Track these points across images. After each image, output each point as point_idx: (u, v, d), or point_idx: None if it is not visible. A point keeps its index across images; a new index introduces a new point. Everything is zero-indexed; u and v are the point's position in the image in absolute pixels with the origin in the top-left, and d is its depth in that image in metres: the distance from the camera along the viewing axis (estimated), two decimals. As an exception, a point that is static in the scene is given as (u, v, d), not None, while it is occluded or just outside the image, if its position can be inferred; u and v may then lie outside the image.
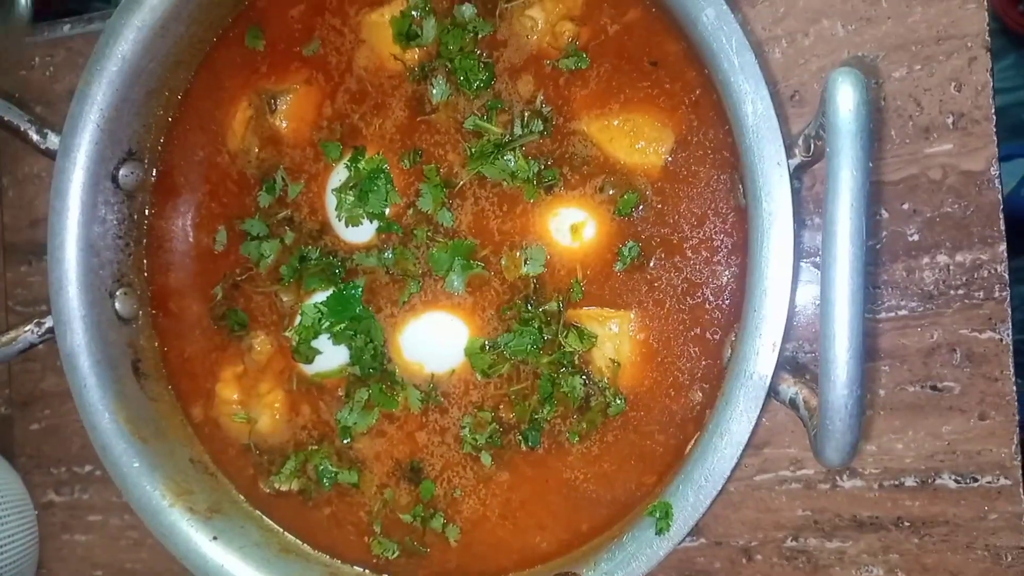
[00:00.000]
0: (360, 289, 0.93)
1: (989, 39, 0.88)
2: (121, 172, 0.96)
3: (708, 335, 0.84)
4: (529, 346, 0.87)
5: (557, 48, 0.87)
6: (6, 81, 1.18)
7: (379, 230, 0.92)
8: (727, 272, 0.83)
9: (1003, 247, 0.88)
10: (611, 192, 0.85)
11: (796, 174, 0.73)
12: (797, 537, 0.94)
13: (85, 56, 0.92)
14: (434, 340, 0.92)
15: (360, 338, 0.92)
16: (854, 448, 0.64)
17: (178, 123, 1.00)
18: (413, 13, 0.91)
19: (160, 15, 0.90)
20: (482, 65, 0.88)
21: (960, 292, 0.89)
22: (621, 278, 0.86)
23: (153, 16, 0.90)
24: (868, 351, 0.91)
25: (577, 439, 0.87)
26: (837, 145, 0.61)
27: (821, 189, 0.85)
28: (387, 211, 0.91)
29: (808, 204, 0.91)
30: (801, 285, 0.90)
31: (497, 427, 0.90)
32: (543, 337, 0.87)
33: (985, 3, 0.87)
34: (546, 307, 0.88)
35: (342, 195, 0.92)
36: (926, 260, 0.90)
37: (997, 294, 0.88)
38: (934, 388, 0.90)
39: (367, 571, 0.95)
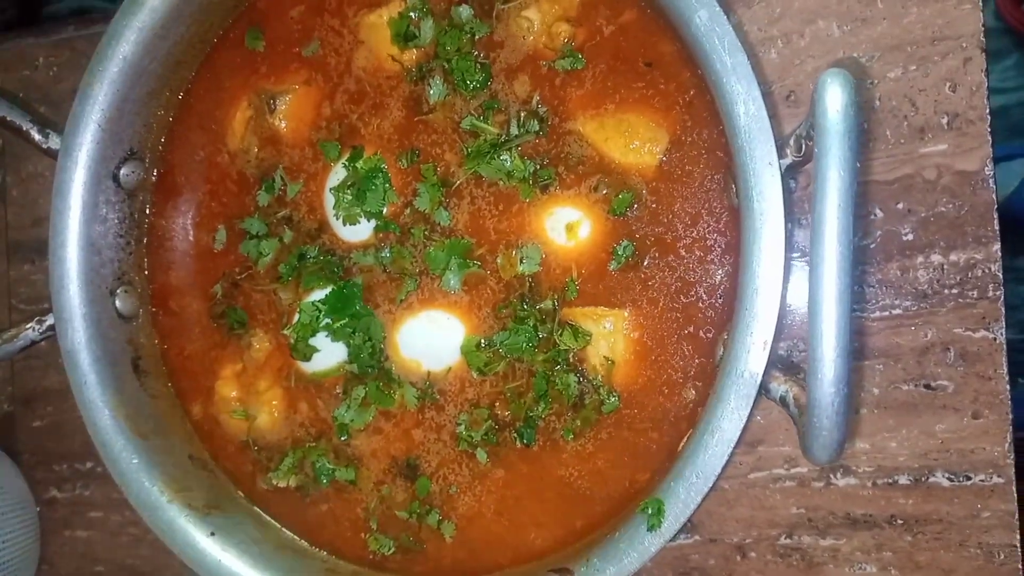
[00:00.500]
0: (360, 286, 0.93)
1: (984, 39, 0.88)
2: (122, 171, 0.97)
3: (701, 333, 0.84)
4: (524, 344, 0.88)
5: (553, 49, 0.88)
6: (10, 81, 1.19)
7: (377, 229, 0.93)
8: (720, 271, 0.84)
9: (997, 247, 0.88)
10: (605, 191, 0.86)
11: (788, 174, 0.74)
12: (791, 535, 0.94)
13: (89, 56, 0.92)
14: (431, 338, 0.93)
15: (359, 336, 0.93)
16: (841, 446, 0.64)
17: (179, 123, 1.01)
18: (411, 14, 0.91)
19: (161, 16, 0.91)
20: (479, 66, 0.89)
21: (954, 291, 0.90)
22: (616, 277, 0.87)
23: (154, 17, 0.91)
24: (862, 350, 0.92)
25: (572, 436, 0.88)
26: (825, 145, 0.62)
27: (815, 189, 0.85)
28: (384, 210, 0.92)
29: (803, 204, 0.92)
30: (796, 284, 0.91)
31: (493, 424, 0.90)
32: (538, 335, 0.88)
33: (980, 3, 0.88)
34: (541, 305, 0.88)
35: (340, 194, 0.93)
36: (920, 259, 0.90)
37: (991, 293, 0.89)
38: (928, 387, 0.90)
39: (364, 568, 0.96)
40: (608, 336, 0.87)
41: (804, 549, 0.94)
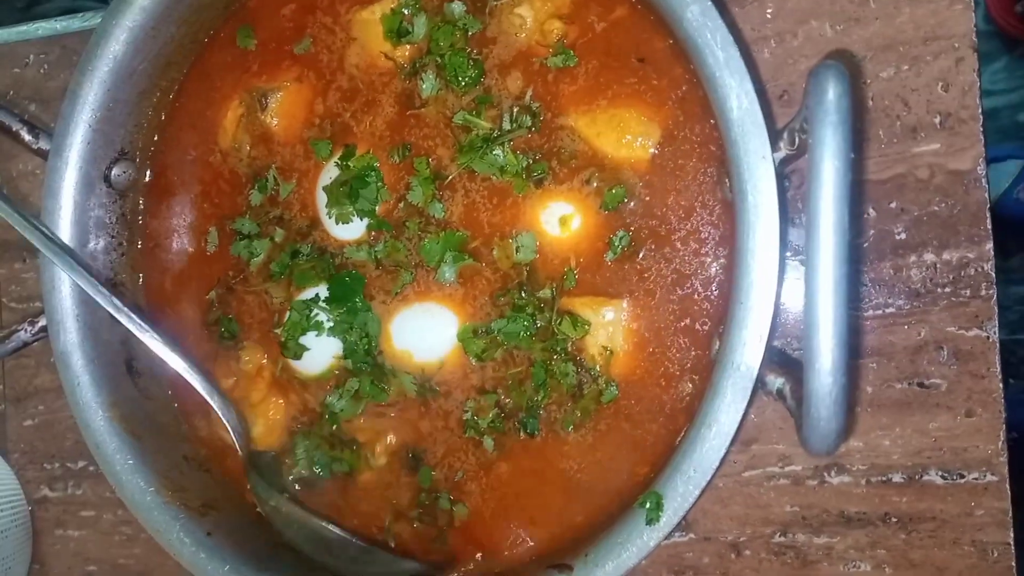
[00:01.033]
0: (362, 280, 0.93)
1: (976, 40, 0.89)
2: (113, 172, 0.96)
3: (697, 326, 0.85)
4: (522, 332, 0.88)
5: (545, 45, 0.88)
6: (0, 78, 1.18)
7: (369, 227, 0.93)
8: (715, 264, 0.84)
9: (990, 245, 0.89)
10: (597, 185, 0.86)
11: (782, 168, 0.74)
12: (785, 533, 0.94)
13: (79, 54, 0.92)
14: (423, 330, 0.93)
15: (355, 331, 0.93)
16: (839, 436, 0.64)
17: (171, 123, 1.01)
18: (404, 11, 0.91)
19: (151, 16, 0.91)
20: (471, 62, 0.89)
21: (947, 290, 0.90)
22: (612, 268, 0.87)
23: (144, 17, 0.90)
24: (856, 348, 0.92)
25: (571, 428, 0.88)
26: (819, 135, 0.62)
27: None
28: (377, 208, 0.92)
29: (796, 203, 0.92)
30: (791, 283, 0.91)
31: (499, 412, 0.90)
32: (536, 324, 0.88)
33: (972, 4, 0.88)
34: (540, 294, 0.88)
35: (333, 193, 0.93)
36: (913, 258, 0.91)
37: (984, 292, 0.89)
38: (921, 385, 0.91)
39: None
40: (607, 326, 0.87)
41: (798, 547, 0.94)
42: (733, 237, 0.77)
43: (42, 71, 1.17)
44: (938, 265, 0.90)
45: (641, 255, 0.86)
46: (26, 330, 0.95)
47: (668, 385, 0.86)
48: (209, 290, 1.00)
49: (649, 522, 0.77)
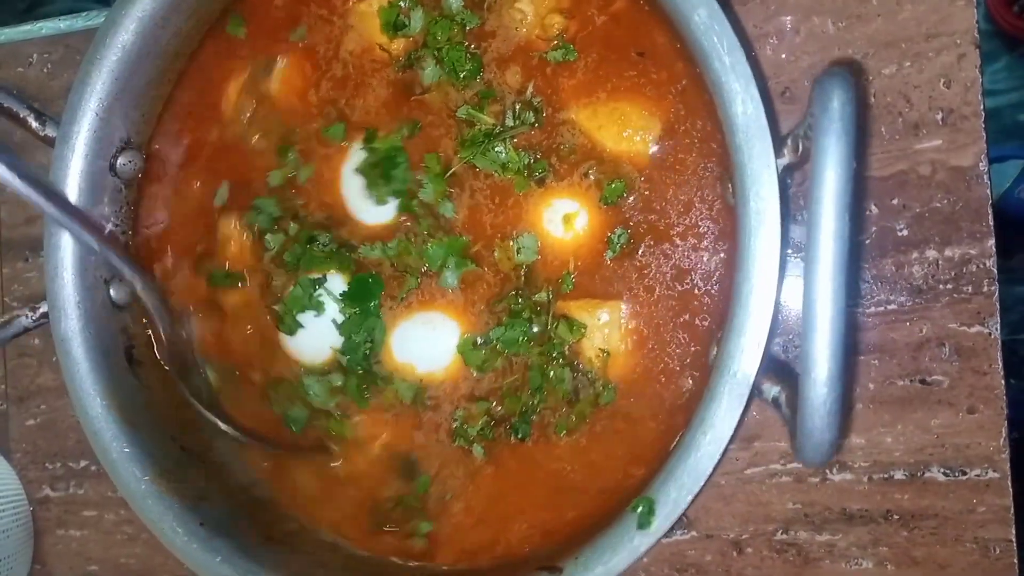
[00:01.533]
0: (382, 284, 0.93)
1: (978, 36, 0.89)
2: (119, 161, 0.96)
3: (697, 321, 0.85)
4: (520, 338, 0.88)
5: (546, 39, 0.88)
6: (3, 78, 1.18)
7: (400, 208, 0.92)
8: (715, 259, 0.84)
9: (992, 242, 0.89)
10: (595, 178, 0.86)
11: (785, 175, 0.74)
12: (787, 530, 0.94)
13: (82, 53, 0.92)
14: (425, 341, 0.93)
15: (362, 333, 0.93)
16: (833, 447, 0.64)
17: (169, 109, 1.01)
18: (401, 3, 0.91)
19: (161, 6, 0.90)
20: (468, 56, 0.89)
21: (949, 287, 0.90)
22: (611, 267, 0.87)
23: (154, 6, 0.90)
24: (857, 345, 0.92)
25: (564, 432, 0.88)
26: (822, 144, 0.62)
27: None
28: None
29: (798, 200, 0.92)
30: (791, 280, 0.91)
31: (489, 420, 0.90)
32: (533, 329, 0.88)
33: (974, 0, 0.88)
34: (536, 297, 0.88)
35: (368, 174, 0.92)
36: (915, 255, 0.91)
37: (986, 288, 0.89)
38: (923, 382, 0.91)
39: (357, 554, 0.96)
40: (603, 328, 0.87)
41: (800, 544, 0.94)
42: (734, 237, 0.77)
43: (45, 70, 1.17)
44: (940, 262, 0.90)
45: (640, 252, 0.86)
46: (27, 316, 0.95)
47: (668, 381, 0.86)
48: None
49: (641, 526, 0.77)
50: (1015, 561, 0.90)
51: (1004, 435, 0.89)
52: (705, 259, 0.84)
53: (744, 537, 0.95)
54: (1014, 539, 0.90)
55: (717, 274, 0.84)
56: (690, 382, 0.85)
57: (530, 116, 0.88)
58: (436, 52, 0.90)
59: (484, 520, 0.92)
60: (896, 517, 0.92)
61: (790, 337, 0.93)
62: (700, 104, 0.83)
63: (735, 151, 0.74)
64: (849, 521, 0.93)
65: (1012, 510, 0.90)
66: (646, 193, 0.86)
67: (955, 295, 0.90)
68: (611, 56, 0.87)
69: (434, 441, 0.94)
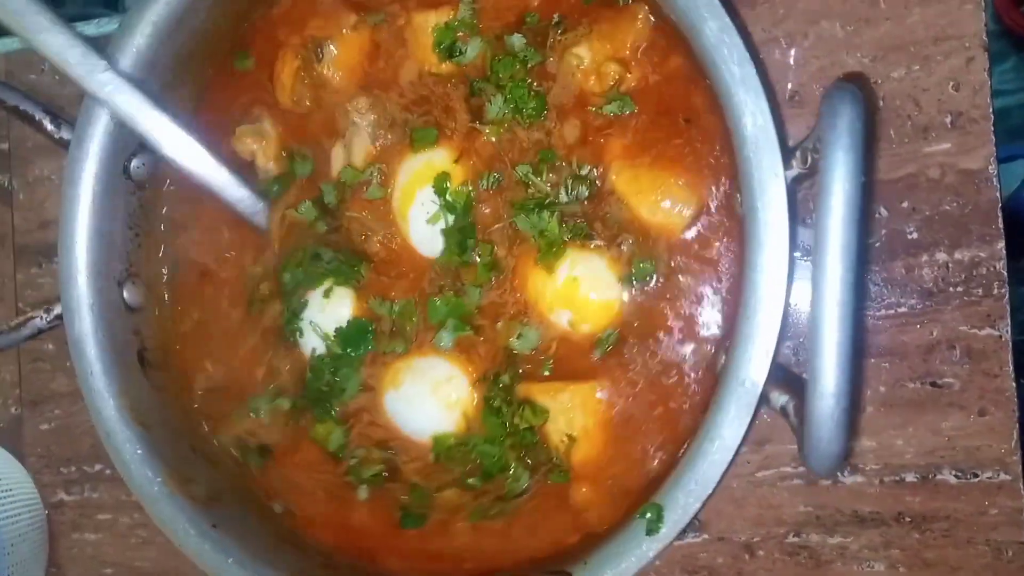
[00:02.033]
0: (373, 332, 0.93)
1: (987, 39, 0.89)
2: (133, 163, 0.97)
3: (673, 406, 0.86)
4: (496, 444, 0.88)
5: (601, 92, 0.87)
6: (15, 86, 1.19)
7: (449, 252, 0.91)
8: (704, 348, 0.85)
9: (1001, 244, 0.89)
10: (628, 251, 0.85)
11: (794, 186, 0.74)
12: (799, 533, 0.95)
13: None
14: (416, 407, 0.93)
15: (333, 376, 0.93)
16: (840, 458, 0.64)
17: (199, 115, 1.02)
18: (458, 31, 0.90)
19: (176, 10, 0.91)
20: (532, 93, 0.88)
21: (959, 289, 0.90)
22: (595, 360, 0.87)
23: (169, 10, 0.91)
24: (868, 348, 0.92)
25: (475, 519, 0.90)
26: (831, 158, 0.62)
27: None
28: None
29: (808, 203, 0.92)
30: (800, 283, 0.91)
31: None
32: (507, 428, 0.88)
33: (983, 3, 0.88)
34: (503, 379, 0.89)
35: (449, 240, 0.90)
36: (925, 258, 0.91)
37: (996, 291, 0.89)
38: (934, 384, 0.91)
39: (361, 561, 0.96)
40: (567, 412, 0.87)
41: (812, 547, 0.94)
42: (742, 253, 0.77)
43: (57, 78, 1.18)
44: (950, 264, 0.90)
45: (626, 351, 0.86)
46: (41, 317, 0.96)
47: (631, 468, 0.86)
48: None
49: (649, 532, 0.77)
50: (1027, 563, 0.90)
51: (1015, 437, 0.89)
52: (690, 352, 0.85)
53: (756, 540, 0.96)
54: (1026, 541, 0.90)
55: (703, 364, 0.84)
56: (655, 463, 0.85)
57: (584, 191, 0.86)
58: (498, 87, 0.89)
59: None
60: (908, 520, 0.92)
61: (800, 340, 0.94)
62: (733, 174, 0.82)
63: (744, 163, 0.74)
64: (861, 524, 0.93)
65: (1024, 512, 0.90)
66: (661, 280, 0.86)
67: (965, 298, 0.90)
68: (661, 120, 0.86)
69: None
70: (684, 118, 0.85)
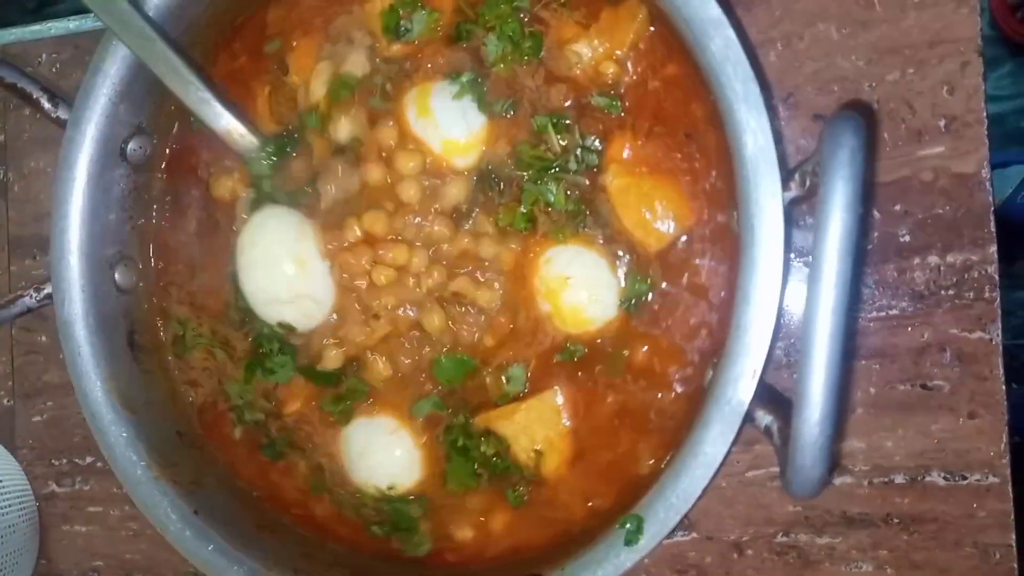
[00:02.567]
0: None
1: (982, 44, 0.89)
2: (129, 146, 0.96)
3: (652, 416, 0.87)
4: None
5: (598, 86, 0.87)
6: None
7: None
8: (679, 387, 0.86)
9: (993, 248, 0.89)
10: (627, 263, 0.86)
11: (790, 208, 0.74)
12: (788, 533, 0.95)
13: (92, 53, 0.92)
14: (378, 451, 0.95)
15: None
16: (821, 483, 0.65)
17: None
18: (400, 9, 0.90)
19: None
20: (527, 31, 0.87)
21: (951, 292, 0.90)
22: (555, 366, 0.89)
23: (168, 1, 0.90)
24: (859, 350, 0.92)
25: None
26: (830, 186, 0.62)
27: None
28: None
29: (802, 207, 0.93)
30: (794, 284, 0.91)
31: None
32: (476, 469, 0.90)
33: (977, 8, 0.89)
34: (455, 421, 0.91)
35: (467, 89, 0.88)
36: (917, 261, 0.91)
37: (987, 295, 0.89)
38: (924, 387, 0.91)
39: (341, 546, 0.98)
40: (527, 429, 0.88)
41: (801, 547, 0.95)
42: (736, 271, 0.76)
43: (54, 70, 1.18)
44: (942, 268, 0.91)
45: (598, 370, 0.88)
46: (31, 296, 0.96)
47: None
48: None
49: (628, 543, 0.78)
50: (1015, 566, 0.90)
51: (1005, 440, 0.89)
52: (673, 370, 0.86)
53: (744, 539, 0.96)
54: (1014, 544, 0.90)
55: (685, 382, 0.85)
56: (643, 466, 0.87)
57: (594, 159, 0.86)
58: (487, 29, 0.87)
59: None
60: (896, 521, 0.92)
61: (792, 341, 0.94)
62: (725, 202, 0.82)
63: (742, 182, 0.74)
64: (849, 524, 0.93)
65: (1012, 515, 0.90)
66: (654, 297, 0.86)
67: (957, 301, 0.90)
68: (661, 129, 0.85)
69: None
70: (685, 132, 0.85)
